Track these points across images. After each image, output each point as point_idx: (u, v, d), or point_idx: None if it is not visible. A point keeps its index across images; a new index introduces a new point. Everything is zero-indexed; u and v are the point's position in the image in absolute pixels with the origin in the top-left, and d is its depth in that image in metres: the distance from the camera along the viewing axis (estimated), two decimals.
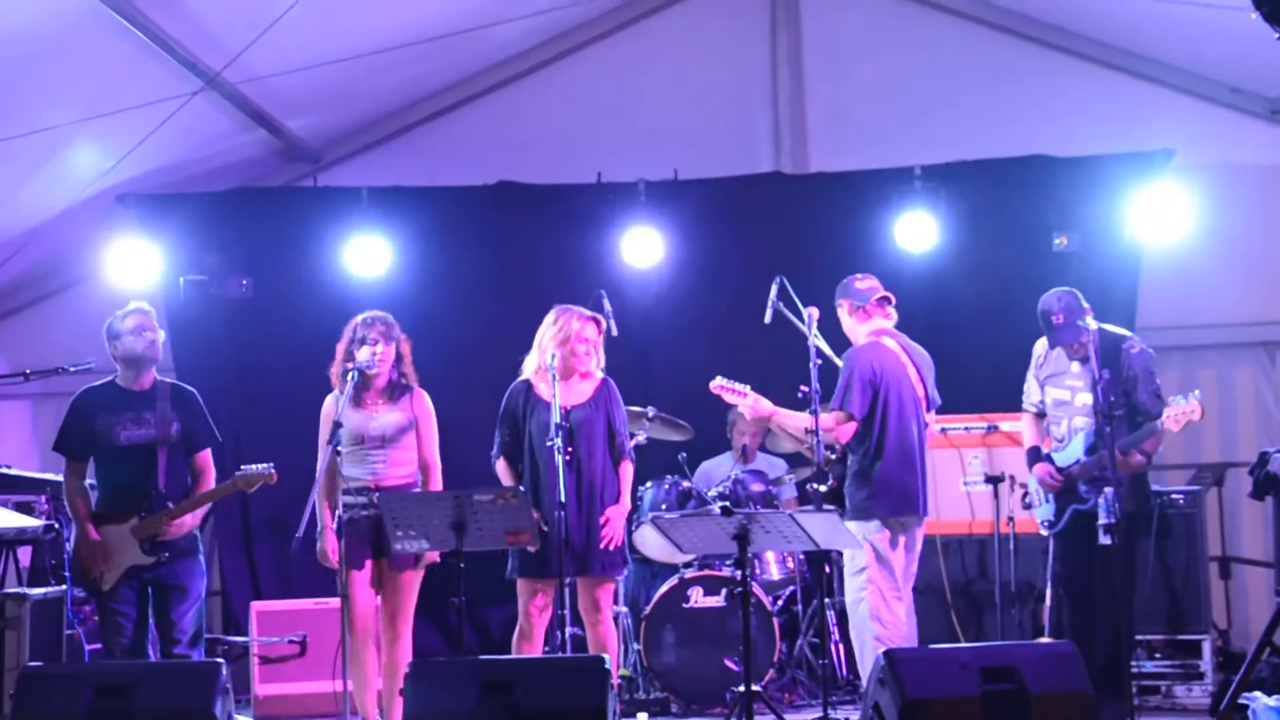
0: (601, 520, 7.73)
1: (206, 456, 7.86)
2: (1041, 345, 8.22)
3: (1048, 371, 8.14)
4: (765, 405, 7.99)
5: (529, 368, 7.93)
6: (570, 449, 7.66)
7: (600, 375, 7.96)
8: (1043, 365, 8.18)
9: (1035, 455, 8.15)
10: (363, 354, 7.76)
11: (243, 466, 7.70)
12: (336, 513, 7.62)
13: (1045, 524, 8.14)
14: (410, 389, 7.96)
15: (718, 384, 8.04)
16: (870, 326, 8.06)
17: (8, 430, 11.05)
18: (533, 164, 10.60)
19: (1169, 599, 8.84)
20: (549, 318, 7.91)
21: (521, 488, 7.53)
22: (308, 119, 10.67)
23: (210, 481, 7.77)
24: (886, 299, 8.09)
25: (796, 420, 7.99)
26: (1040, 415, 8.26)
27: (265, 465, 7.63)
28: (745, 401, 8.00)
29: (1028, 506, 8.43)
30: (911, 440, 7.85)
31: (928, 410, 8.04)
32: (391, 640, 7.75)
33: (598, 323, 7.94)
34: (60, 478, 8.63)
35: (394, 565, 7.68)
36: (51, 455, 10.36)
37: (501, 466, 7.91)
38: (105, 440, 7.66)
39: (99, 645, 8.77)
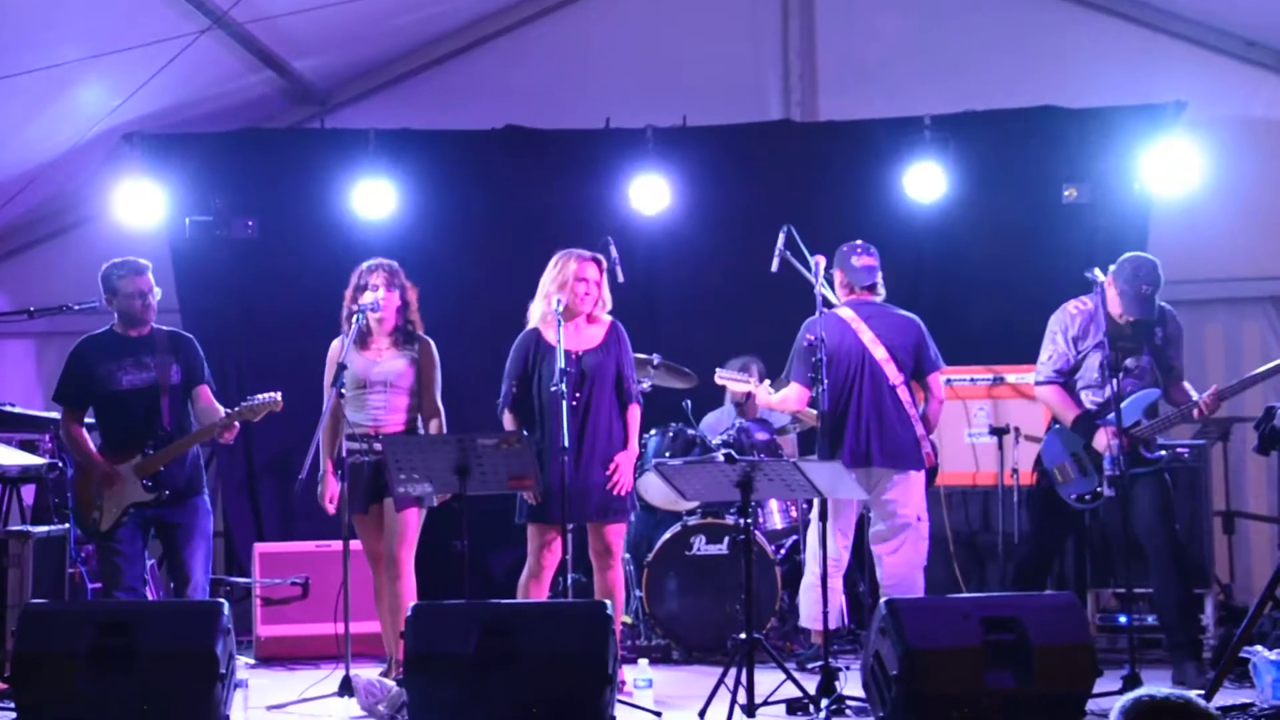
0: (610, 468, 7.74)
1: (206, 391, 7.91)
2: (1075, 310, 8.08)
3: (1096, 337, 8.01)
4: (768, 396, 8.39)
5: (535, 315, 7.92)
6: (579, 394, 7.67)
7: (609, 320, 7.95)
8: (1087, 331, 8.03)
9: (1089, 422, 7.93)
10: (367, 297, 7.81)
11: (249, 397, 7.74)
12: (340, 455, 7.66)
13: (1087, 495, 7.91)
14: (416, 336, 7.98)
15: (721, 376, 8.54)
16: (850, 298, 8.26)
17: (12, 369, 11.06)
18: (541, 109, 10.56)
19: None
20: (550, 263, 7.90)
21: (525, 432, 7.52)
22: (316, 60, 10.63)
23: (217, 413, 7.78)
24: (874, 285, 8.22)
25: (781, 405, 8.42)
26: (1066, 385, 8.12)
27: (270, 394, 7.67)
28: (752, 387, 8.49)
29: (1046, 487, 8.14)
30: (858, 400, 8.01)
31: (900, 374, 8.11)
32: (394, 578, 7.82)
33: (598, 262, 7.92)
34: None
35: (397, 506, 7.74)
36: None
37: (508, 419, 7.90)
38: (106, 386, 7.75)
39: (101, 584, 8.83)
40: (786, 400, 8.32)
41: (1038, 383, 8.22)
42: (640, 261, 9.65)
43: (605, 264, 8.00)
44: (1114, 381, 7.59)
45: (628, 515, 7.99)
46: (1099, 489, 7.85)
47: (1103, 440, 7.81)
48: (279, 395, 7.67)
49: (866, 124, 10.33)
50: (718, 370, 8.75)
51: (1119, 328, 7.95)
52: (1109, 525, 8.00)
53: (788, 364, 8.28)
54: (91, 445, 7.81)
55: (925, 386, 8.25)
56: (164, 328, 7.98)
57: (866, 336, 8.10)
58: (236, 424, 7.74)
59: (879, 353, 8.09)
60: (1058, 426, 8.09)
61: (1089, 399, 8.01)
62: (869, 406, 8.05)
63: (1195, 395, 7.91)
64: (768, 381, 8.64)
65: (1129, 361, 7.91)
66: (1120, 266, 7.95)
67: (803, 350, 8.07)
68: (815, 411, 8.08)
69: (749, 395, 8.99)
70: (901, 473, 8.06)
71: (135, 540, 7.76)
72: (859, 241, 8.32)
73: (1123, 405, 7.75)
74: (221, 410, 7.79)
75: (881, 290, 8.32)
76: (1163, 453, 7.85)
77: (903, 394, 8.10)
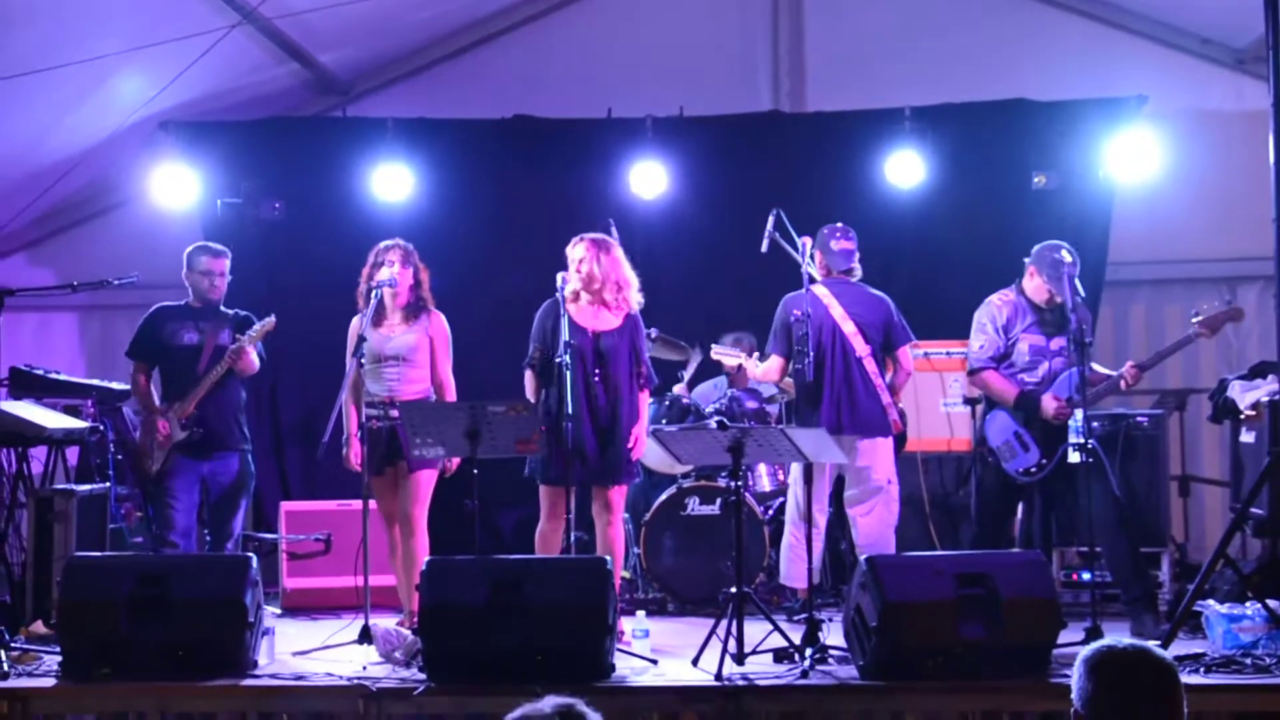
0: (631, 441, 7.81)
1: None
2: (999, 302, 8.11)
3: (1024, 324, 8.03)
4: (757, 368, 8.52)
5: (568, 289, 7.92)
6: (598, 370, 7.71)
7: (630, 308, 7.94)
8: (1014, 320, 8.04)
9: (1033, 399, 7.91)
10: (383, 273, 7.87)
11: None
12: (361, 421, 7.71)
13: (1032, 468, 7.91)
14: (428, 310, 8.03)
15: (716, 351, 8.85)
16: (827, 279, 8.28)
17: (57, 339, 11.07)
18: (548, 99, 10.53)
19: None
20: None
21: (530, 400, 7.55)
22: (338, 53, 10.60)
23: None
24: (850, 269, 8.24)
25: (765, 376, 8.54)
26: (994, 369, 8.11)
27: (267, 319, 8.22)
28: (742, 360, 8.73)
29: (992, 464, 8.10)
30: (830, 371, 8.02)
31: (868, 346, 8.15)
32: (409, 534, 7.89)
33: (592, 242, 7.91)
34: (105, 383, 8.85)
35: (410, 468, 7.80)
36: (97, 362, 10.56)
37: (529, 377, 7.92)
38: (167, 342, 8.34)
39: (140, 539, 8.89)
40: (769, 372, 8.37)
41: (973, 370, 8.21)
42: (639, 243, 9.63)
43: (601, 243, 7.96)
44: (1081, 357, 7.62)
45: (633, 477, 8.05)
46: (1042, 462, 7.89)
47: (1050, 407, 7.84)
48: (273, 317, 8.20)
49: (851, 115, 10.31)
50: (713, 346, 8.82)
51: (1042, 312, 8.00)
52: (1065, 492, 7.99)
53: (769, 338, 8.31)
54: (155, 396, 8.37)
55: (895, 359, 8.28)
56: (230, 309, 8.53)
57: (837, 312, 8.12)
58: (247, 349, 8.12)
59: (848, 327, 8.10)
60: (997, 407, 8.11)
61: (1025, 380, 8.02)
62: (840, 378, 8.08)
63: (1107, 372, 7.99)
64: (756, 355, 8.67)
65: (1054, 344, 7.93)
66: (1040, 255, 7.95)
67: (782, 325, 8.12)
68: (793, 382, 8.20)
69: (740, 367, 9.00)
70: (870, 439, 8.08)
71: (190, 493, 8.28)
72: (839, 225, 8.32)
73: (1059, 380, 7.87)
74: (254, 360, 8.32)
75: (858, 271, 8.31)
76: (1094, 424, 7.81)
77: (869, 365, 8.10)
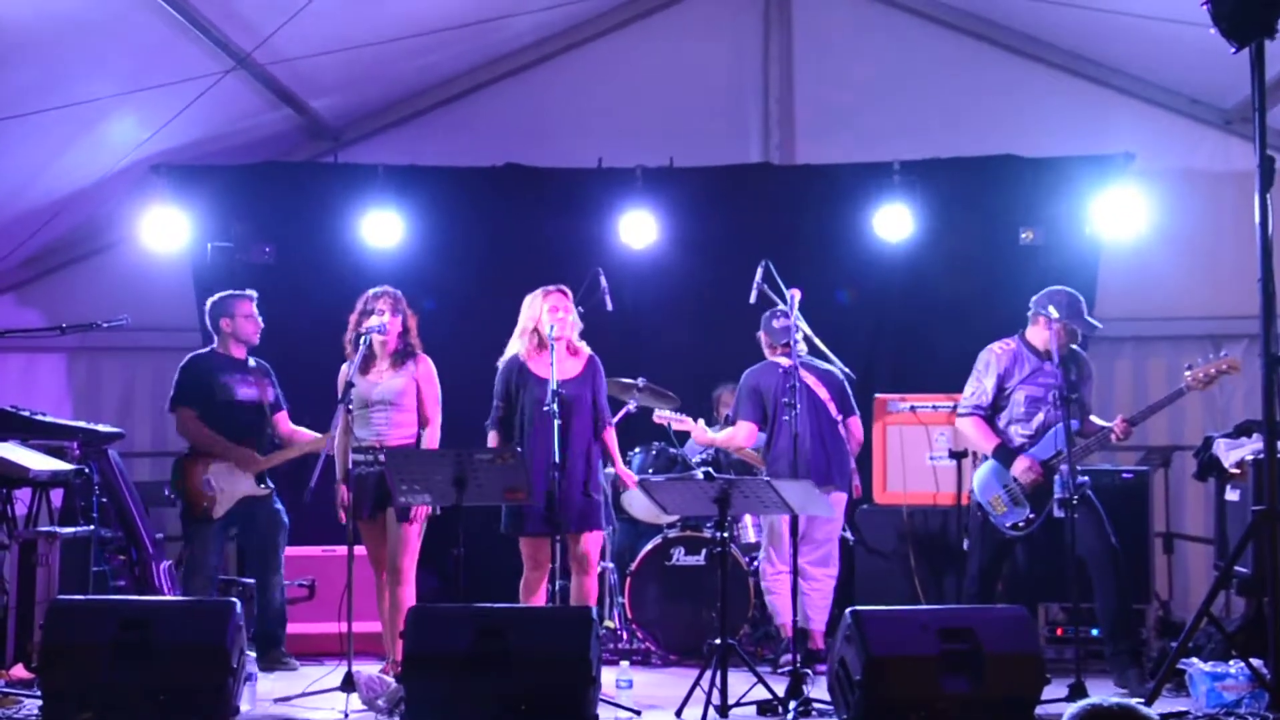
0: (632, 483, 8.18)
1: (285, 417, 8.93)
2: (1000, 350, 8.17)
3: (1024, 373, 8.09)
4: (706, 434, 8.76)
5: (515, 347, 7.98)
6: (562, 420, 7.66)
7: (588, 353, 7.99)
8: (1013, 369, 8.10)
9: (1010, 453, 7.99)
10: (372, 321, 7.93)
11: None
12: (348, 467, 7.71)
13: (1020, 523, 7.95)
14: (415, 356, 8.11)
15: (661, 416, 8.98)
16: (774, 355, 8.60)
17: (44, 381, 11.03)
18: (538, 148, 10.57)
19: None
20: (524, 304, 8.03)
21: (519, 449, 7.55)
22: (331, 99, 10.64)
23: (303, 435, 8.80)
24: (788, 343, 8.26)
25: (729, 441, 8.79)
26: (986, 419, 8.19)
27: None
28: (689, 427, 8.82)
29: (980, 519, 8.17)
30: (802, 431, 8.09)
31: (839, 413, 8.59)
32: (396, 584, 7.89)
33: (563, 292, 7.96)
34: (91, 425, 8.85)
35: (399, 516, 7.81)
36: (84, 404, 10.52)
37: (493, 437, 7.96)
38: (225, 395, 8.67)
39: (123, 582, 8.87)
40: (734, 437, 8.66)
41: (960, 414, 8.32)
42: (628, 292, 9.66)
43: (569, 293, 8.04)
44: (1064, 410, 7.67)
45: (602, 525, 8.01)
46: (1030, 516, 7.91)
47: (1020, 467, 7.90)
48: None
49: (840, 168, 10.36)
50: (655, 411, 8.91)
51: (1044, 361, 8.04)
52: (1049, 546, 8.01)
53: (738, 406, 8.62)
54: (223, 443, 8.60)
55: (847, 428, 8.62)
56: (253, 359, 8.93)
57: (810, 379, 8.40)
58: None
59: (823, 393, 8.50)
60: (989, 461, 8.13)
61: (1018, 432, 8.08)
62: (812, 436, 8.35)
63: (1103, 424, 8.02)
64: (702, 420, 8.87)
65: (1052, 395, 7.96)
66: (1056, 303, 8.00)
67: (752, 390, 8.52)
68: (753, 451, 8.70)
69: (729, 417, 9.03)
70: (834, 492, 8.32)
71: (227, 539, 8.84)
72: (779, 307, 8.43)
73: (1047, 435, 7.92)
74: (303, 431, 8.83)
75: (804, 347, 8.39)
76: (1085, 478, 7.84)
77: (841, 430, 8.55)
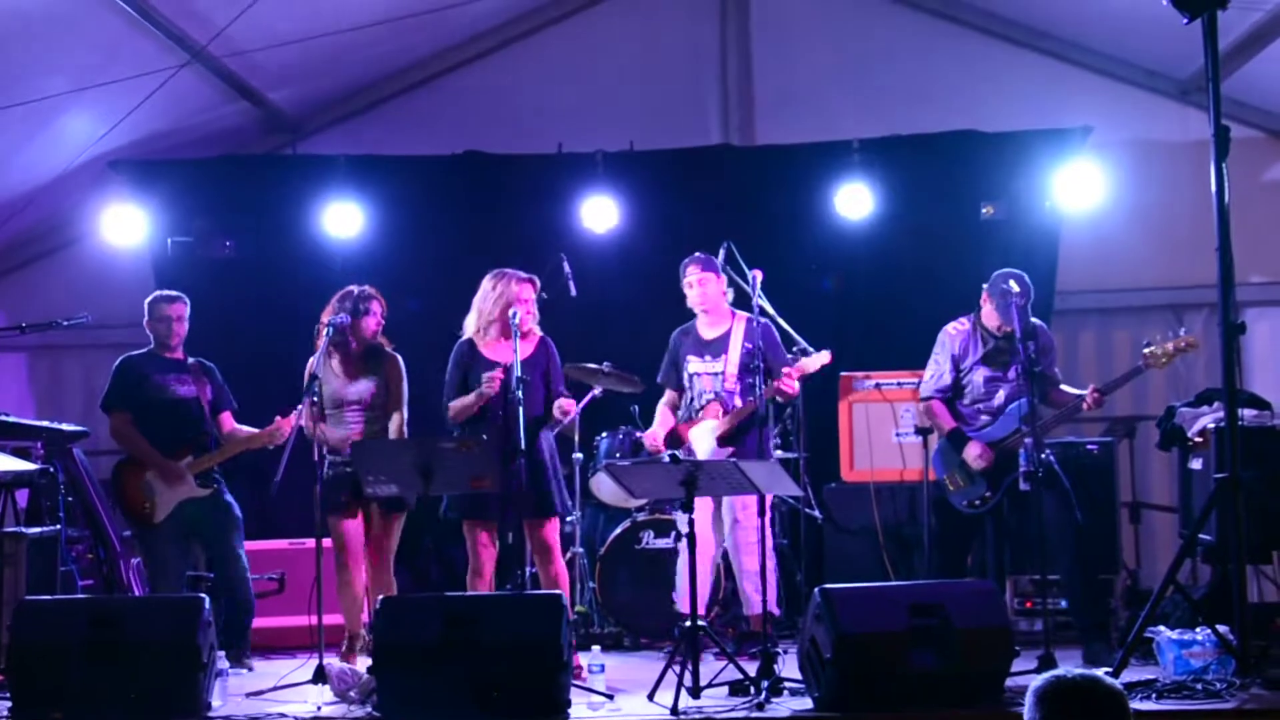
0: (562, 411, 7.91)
1: (230, 417, 8.63)
2: (954, 331, 8.22)
3: (976, 355, 8.12)
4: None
5: (470, 328, 7.97)
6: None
7: (539, 334, 7.98)
8: (967, 350, 8.15)
9: (962, 437, 8.05)
10: (367, 322, 8.09)
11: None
12: (315, 461, 7.69)
13: (976, 501, 8.02)
14: (385, 354, 8.16)
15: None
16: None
17: (5, 380, 11.00)
18: (498, 135, 10.56)
19: None
20: (486, 283, 7.95)
21: (484, 436, 7.53)
22: (288, 91, 10.60)
23: (242, 432, 8.54)
24: None
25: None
26: (946, 401, 8.21)
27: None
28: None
29: (938, 496, 8.27)
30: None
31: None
32: (380, 569, 7.99)
33: (533, 283, 7.96)
34: (55, 425, 8.79)
35: (381, 509, 7.93)
36: (46, 403, 10.44)
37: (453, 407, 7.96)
38: (160, 394, 8.44)
39: (91, 581, 8.82)
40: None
41: (921, 398, 8.39)
42: (591, 277, 9.63)
43: (538, 285, 8.04)
44: (1029, 386, 7.70)
45: (557, 512, 7.94)
46: (986, 495, 7.97)
47: (971, 454, 7.97)
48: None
49: (800, 147, 10.37)
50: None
51: (998, 340, 8.08)
52: (1016, 520, 8.07)
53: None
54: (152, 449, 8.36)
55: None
56: (194, 359, 8.64)
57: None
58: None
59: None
60: (945, 440, 8.18)
61: (981, 410, 8.12)
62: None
63: (1076, 392, 8.02)
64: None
65: (1011, 372, 7.99)
66: (993, 284, 8.05)
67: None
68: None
69: None
70: None
71: (184, 538, 8.52)
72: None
73: (1008, 410, 7.96)
74: (243, 428, 8.55)
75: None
76: (1048, 453, 7.85)
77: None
